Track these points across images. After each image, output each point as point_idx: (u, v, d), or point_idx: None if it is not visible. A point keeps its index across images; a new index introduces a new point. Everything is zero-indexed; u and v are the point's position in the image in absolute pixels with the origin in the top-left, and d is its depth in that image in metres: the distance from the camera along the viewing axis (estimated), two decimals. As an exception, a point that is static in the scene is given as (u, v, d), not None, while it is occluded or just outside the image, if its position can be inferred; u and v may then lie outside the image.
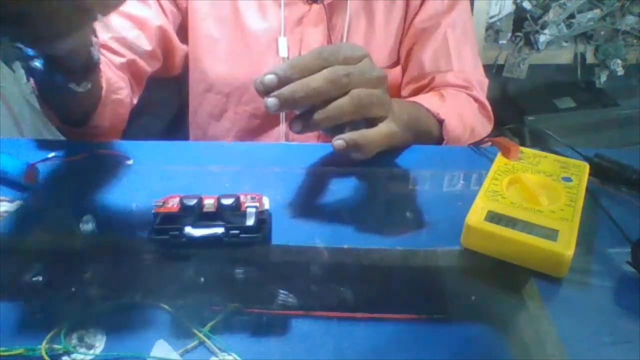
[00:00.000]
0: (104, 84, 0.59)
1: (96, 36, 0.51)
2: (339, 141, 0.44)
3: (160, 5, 0.72)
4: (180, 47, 0.75)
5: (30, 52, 0.50)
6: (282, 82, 0.43)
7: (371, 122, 0.46)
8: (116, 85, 0.64)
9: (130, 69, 0.69)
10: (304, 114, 0.44)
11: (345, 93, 0.44)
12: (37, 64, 0.50)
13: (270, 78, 0.42)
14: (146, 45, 0.70)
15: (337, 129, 0.46)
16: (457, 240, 0.44)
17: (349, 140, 0.44)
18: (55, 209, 0.47)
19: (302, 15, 0.72)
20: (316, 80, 0.43)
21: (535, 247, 0.41)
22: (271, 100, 0.42)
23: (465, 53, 0.75)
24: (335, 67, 0.44)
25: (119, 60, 0.67)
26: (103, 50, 0.65)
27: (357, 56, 0.45)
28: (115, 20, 0.67)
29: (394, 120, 0.48)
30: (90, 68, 0.52)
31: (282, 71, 0.43)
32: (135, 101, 0.70)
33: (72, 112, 0.58)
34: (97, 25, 0.64)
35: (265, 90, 0.43)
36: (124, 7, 0.67)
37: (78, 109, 0.57)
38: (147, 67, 0.71)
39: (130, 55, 0.68)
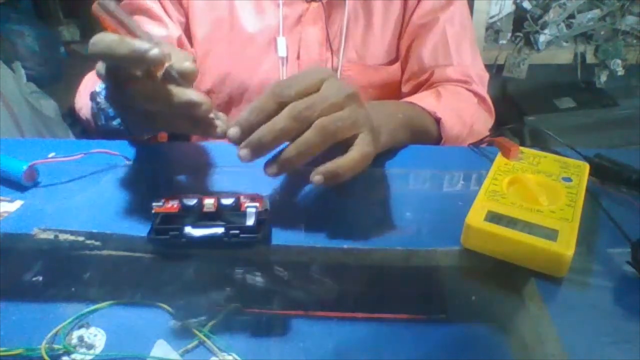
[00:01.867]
0: None
1: None
2: (317, 177, 0.43)
3: (172, 19, 0.72)
4: (192, 52, 0.76)
5: (111, 112, 0.53)
6: (246, 130, 0.43)
7: (346, 144, 0.45)
8: None
9: None
10: (276, 156, 0.44)
11: (313, 119, 0.43)
12: (115, 123, 0.53)
13: (234, 131, 0.43)
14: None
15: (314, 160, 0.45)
16: (457, 240, 0.44)
17: (326, 173, 0.43)
18: (56, 209, 0.47)
19: (300, 14, 0.72)
20: (279, 121, 0.42)
21: (535, 247, 0.41)
22: (242, 152, 0.42)
23: (464, 47, 0.75)
24: (294, 103, 0.43)
25: None
26: None
27: (316, 82, 0.44)
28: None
29: (372, 132, 0.47)
30: None
31: (243, 120, 0.43)
32: None
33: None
34: None
35: (236, 143, 0.43)
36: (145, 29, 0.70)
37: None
38: None
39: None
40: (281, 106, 0.43)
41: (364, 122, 0.45)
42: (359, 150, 0.44)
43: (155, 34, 0.70)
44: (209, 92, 0.76)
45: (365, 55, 0.75)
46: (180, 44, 0.72)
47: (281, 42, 0.72)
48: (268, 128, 0.42)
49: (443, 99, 0.68)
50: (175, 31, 0.72)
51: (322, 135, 0.43)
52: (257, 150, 0.42)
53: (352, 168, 0.44)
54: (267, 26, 0.72)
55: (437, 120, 0.65)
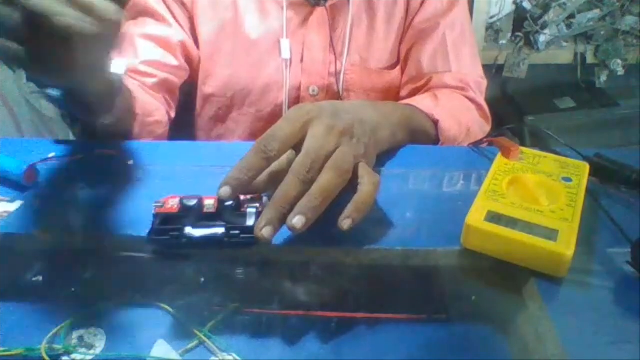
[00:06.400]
0: (138, 110, 0.63)
1: (118, 80, 0.54)
2: (345, 221, 0.41)
3: (177, 20, 0.72)
4: (198, 54, 0.75)
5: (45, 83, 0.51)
6: (237, 189, 0.42)
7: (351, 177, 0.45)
8: (151, 108, 0.67)
9: (163, 86, 0.71)
10: (300, 208, 0.41)
11: (317, 174, 0.42)
12: (54, 93, 0.52)
13: (225, 190, 0.42)
14: (173, 61, 0.72)
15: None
16: (457, 240, 0.44)
17: (353, 215, 0.42)
18: (56, 209, 0.47)
19: (304, 18, 0.72)
20: (292, 190, 0.41)
21: (535, 247, 0.41)
22: (266, 230, 0.40)
23: (463, 54, 0.75)
24: (297, 168, 0.42)
25: (151, 81, 0.69)
26: (135, 75, 0.68)
27: (299, 127, 0.44)
28: (141, 44, 0.70)
29: (366, 155, 0.47)
30: (111, 103, 0.54)
31: (232, 179, 0.42)
32: (173, 114, 0.73)
33: (102, 136, 0.58)
34: (127, 54, 0.68)
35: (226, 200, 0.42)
36: (148, 30, 0.70)
37: (107, 135, 0.58)
38: (178, 81, 0.74)
39: (161, 75, 0.70)
40: (268, 161, 0.43)
41: (357, 151, 0.46)
42: (370, 180, 0.44)
43: (156, 34, 0.70)
44: (212, 96, 0.76)
45: (369, 58, 0.75)
46: (183, 48, 0.73)
47: (285, 44, 0.72)
48: (283, 200, 0.41)
49: (440, 101, 0.68)
50: (179, 34, 0.72)
51: (340, 175, 0.43)
52: (279, 223, 0.41)
53: (371, 199, 0.43)
54: (271, 29, 0.72)
55: (435, 122, 0.65)
